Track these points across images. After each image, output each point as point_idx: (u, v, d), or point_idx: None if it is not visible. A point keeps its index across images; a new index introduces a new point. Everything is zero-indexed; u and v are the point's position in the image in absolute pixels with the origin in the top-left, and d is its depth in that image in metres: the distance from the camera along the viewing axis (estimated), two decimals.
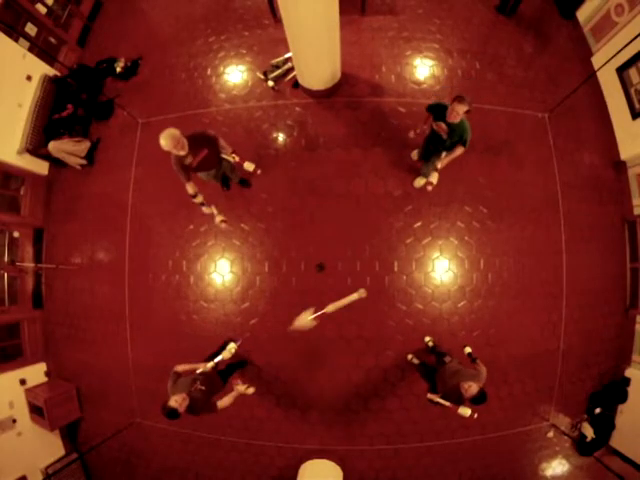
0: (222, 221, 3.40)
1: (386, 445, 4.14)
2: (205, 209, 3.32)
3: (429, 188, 3.50)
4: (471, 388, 2.55)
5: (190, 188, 3.10)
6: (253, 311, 4.17)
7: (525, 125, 4.41)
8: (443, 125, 3.04)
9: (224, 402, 2.90)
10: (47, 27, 5.04)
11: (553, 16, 4.85)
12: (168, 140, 2.65)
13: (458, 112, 2.80)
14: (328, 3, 3.09)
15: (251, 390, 3.31)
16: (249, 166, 3.29)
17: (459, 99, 2.77)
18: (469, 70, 4.52)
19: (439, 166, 3.34)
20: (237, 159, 3.26)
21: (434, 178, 3.49)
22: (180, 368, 2.94)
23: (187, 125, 2.91)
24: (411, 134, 3.84)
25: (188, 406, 2.62)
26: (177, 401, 2.56)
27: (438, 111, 3.05)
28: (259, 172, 3.39)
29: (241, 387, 3.02)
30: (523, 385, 4.18)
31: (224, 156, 3.26)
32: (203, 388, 2.80)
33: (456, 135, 3.03)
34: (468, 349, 3.35)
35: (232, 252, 4.27)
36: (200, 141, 2.94)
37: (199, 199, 3.22)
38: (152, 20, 5.30)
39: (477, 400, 2.56)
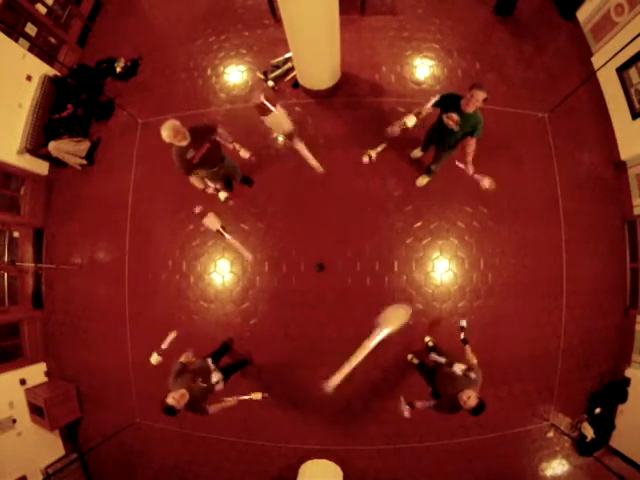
0: (227, 198, 3.39)
1: (386, 445, 4.14)
2: (221, 195, 3.33)
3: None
4: (470, 400, 2.51)
5: (195, 181, 3.13)
6: (253, 311, 4.17)
7: (525, 125, 4.41)
8: (455, 116, 2.90)
9: (215, 407, 2.93)
10: (47, 27, 5.03)
11: (553, 16, 4.85)
12: (169, 131, 2.66)
13: (478, 99, 2.70)
14: (328, 3, 3.09)
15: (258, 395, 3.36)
16: (244, 154, 3.42)
17: (478, 86, 2.68)
18: (469, 70, 4.52)
19: (471, 169, 3.22)
20: (237, 147, 3.30)
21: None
22: (184, 358, 2.93)
23: (187, 125, 2.90)
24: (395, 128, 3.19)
25: (187, 403, 2.63)
26: (175, 398, 2.57)
27: (449, 102, 2.91)
28: (253, 158, 3.48)
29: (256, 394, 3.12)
30: (523, 385, 4.18)
31: (223, 143, 3.25)
32: (204, 385, 2.82)
33: (469, 126, 2.91)
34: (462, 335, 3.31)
35: (232, 252, 4.26)
36: (202, 135, 2.93)
37: (211, 189, 3.26)
38: (152, 20, 5.30)
39: (476, 411, 2.53)
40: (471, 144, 3.07)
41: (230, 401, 3.10)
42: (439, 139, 3.32)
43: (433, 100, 2.99)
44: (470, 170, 3.23)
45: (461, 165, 3.29)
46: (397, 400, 3.40)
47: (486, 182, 3.25)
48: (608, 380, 4.32)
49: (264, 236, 4.22)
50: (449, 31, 4.66)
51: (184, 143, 2.78)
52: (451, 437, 4.15)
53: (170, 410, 2.56)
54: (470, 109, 2.79)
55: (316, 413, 4.13)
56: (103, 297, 4.60)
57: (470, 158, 3.18)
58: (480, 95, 2.69)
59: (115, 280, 4.52)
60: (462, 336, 3.28)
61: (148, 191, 4.56)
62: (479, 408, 2.52)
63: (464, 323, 3.44)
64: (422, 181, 4.10)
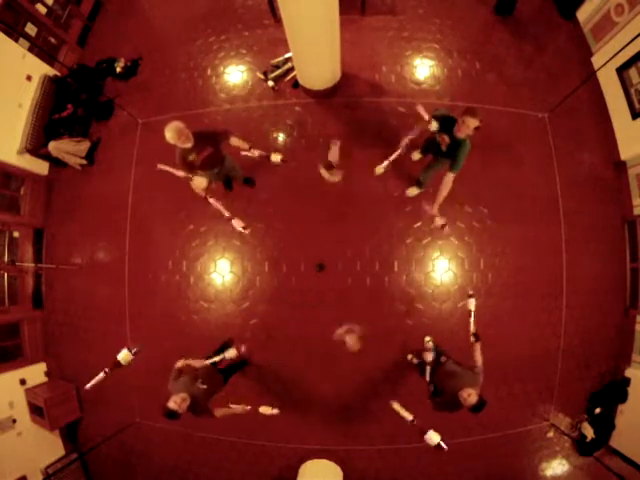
0: (243, 227, 3.39)
1: (386, 445, 4.14)
2: (214, 203, 3.24)
3: (444, 228, 3.27)
4: (470, 397, 2.49)
5: (197, 187, 3.09)
6: (253, 311, 4.17)
7: (525, 125, 4.41)
8: (446, 138, 2.84)
9: (222, 412, 2.91)
10: (47, 27, 5.02)
11: (553, 16, 4.85)
12: (172, 132, 2.67)
13: (469, 126, 2.55)
14: (328, 3, 3.09)
15: (275, 411, 3.18)
16: (276, 157, 3.22)
17: (472, 112, 2.53)
18: (469, 70, 4.52)
19: (435, 210, 3.10)
20: (257, 153, 3.19)
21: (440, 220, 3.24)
22: (180, 364, 2.92)
23: (187, 125, 2.90)
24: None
25: (189, 405, 2.62)
26: (176, 402, 2.55)
27: (446, 124, 2.78)
28: (285, 161, 3.28)
29: (266, 408, 3.11)
30: (523, 385, 4.18)
31: (245, 153, 3.21)
32: (205, 387, 2.81)
33: (454, 150, 2.83)
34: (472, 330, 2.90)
35: (232, 252, 4.27)
36: (206, 139, 2.94)
37: (211, 199, 3.20)
38: (152, 20, 5.30)
39: (476, 409, 2.51)
40: (447, 182, 2.90)
41: (237, 408, 3.03)
42: (434, 150, 3.28)
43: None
44: (434, 210, 3.08)
45: (427, 207, 3.22)
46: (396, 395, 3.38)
47: (439, 222, 3.12)
48: (608, 380, 4.32)
49: (264, 236, 4.22)
50: (449, 31, 4.66)
51: (188, 145, 2.79)
52: (451, 437, 4.11)
53: (172, 414, 2.54)
54: (461, 135, 2.68)
55: (316, 413, 4.13)
56: (103, 297, 4.60)
57: (441, 197, 2.98)
58: (471, 122, 2.53)
59: (115, 280, 4.52)
60: (472, 329, 2.82)
61: (148, 191, 4.56)
62: (479, 406, 2.50)
63: (472, 305, 2.87)
64: (412, 192, 4.08)
